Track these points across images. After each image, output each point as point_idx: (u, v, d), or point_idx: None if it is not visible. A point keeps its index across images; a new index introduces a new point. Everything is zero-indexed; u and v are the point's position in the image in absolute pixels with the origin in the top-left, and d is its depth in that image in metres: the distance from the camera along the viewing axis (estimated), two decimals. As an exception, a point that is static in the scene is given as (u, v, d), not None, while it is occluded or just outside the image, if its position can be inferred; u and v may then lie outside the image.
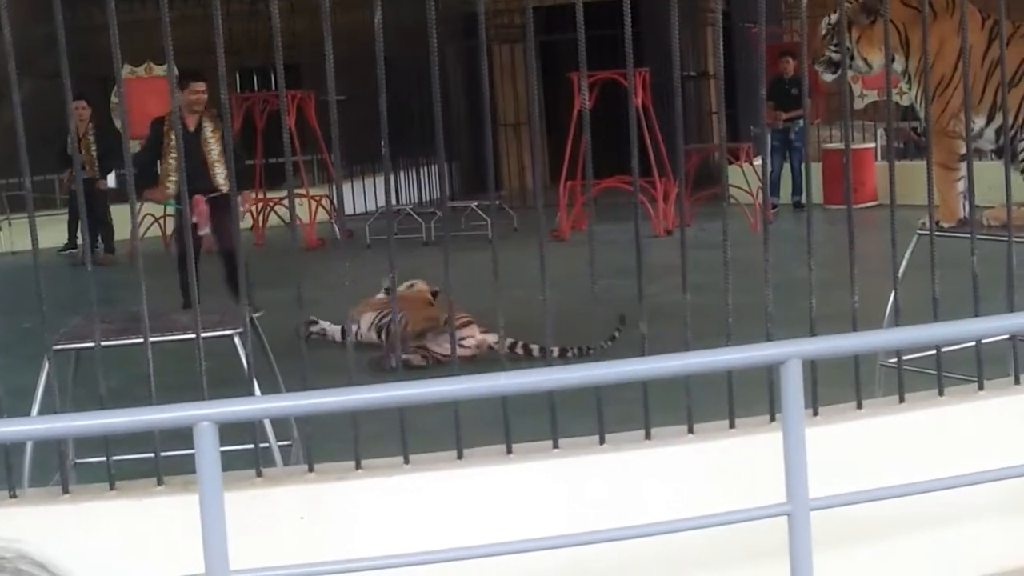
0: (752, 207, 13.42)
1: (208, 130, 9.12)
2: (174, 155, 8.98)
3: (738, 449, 3.96)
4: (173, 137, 8.89)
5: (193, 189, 8.74)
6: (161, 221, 15.01)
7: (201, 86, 9.07)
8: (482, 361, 7.29)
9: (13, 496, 3.82)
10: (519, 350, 7.24)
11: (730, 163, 12.43)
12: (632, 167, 4.22)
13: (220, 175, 9.12)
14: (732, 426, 4.05)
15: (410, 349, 7.61)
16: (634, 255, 4.20)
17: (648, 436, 3.99)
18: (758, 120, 14.42)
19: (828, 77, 6.17)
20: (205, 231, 8.96)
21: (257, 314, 9.07)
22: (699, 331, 4.08)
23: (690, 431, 4.01)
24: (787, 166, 15.46)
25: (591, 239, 4.13)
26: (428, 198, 17.75)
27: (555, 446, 3.95)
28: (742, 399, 4.10)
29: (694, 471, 3.94)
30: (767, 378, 3.96)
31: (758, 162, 14.82)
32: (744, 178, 13.55)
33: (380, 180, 15.98)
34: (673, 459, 3.95)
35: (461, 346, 6.76)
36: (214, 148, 9.07)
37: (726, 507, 3.53)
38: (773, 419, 4.00)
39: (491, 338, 7.54)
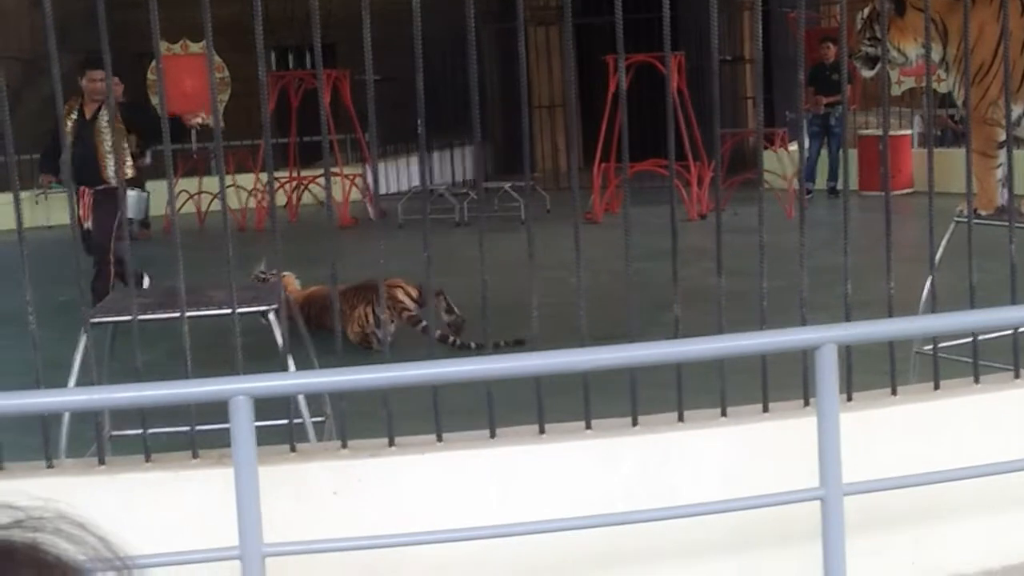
0: (787, 192, 13.36)
1: (103, 120, 8.52)
2: (69, 140, 8.62)
3: (771, 433, 3.95)
4: (67, 123, 8.67)
5: (81, 179, 8.29)
6: (196, 197, 15.09)
7: (99, 74, 8.13)
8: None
9: (50, 466, 3.85)
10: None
11: (765, 148, 12.38)
12: (668, 150, 4.21)
13: (109, 167, 8.62)
14: (765, 410, 4.04)
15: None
16: (667, 239, 4.19)
17: (681, 419, 3.98)
18: (794, 105, 14.33)
19: (867, 73, 6.12)
20: (87, 224, 8.56)
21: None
22: (733, 316, 4.07)
23: (723, 414, 4.01)
24: (824, 152, 15.36)
25: (626, 222, 4.12)
26: (462, 178, 17.76)
27: (588, 427, 3.95)
28: (775, 384, 4.09)
29: (727, 454, 3.93)
30: (801, 363, 3.95)
31: (793, 147, 14.75)
32: (779, 163, 13.48)
33: (414, 160, 16.04)
34: (706, 442, 3.95)
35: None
36: (105, 139, 8.50)
37: (758, 491, 3.54)
38: (807, 404, 3.99)
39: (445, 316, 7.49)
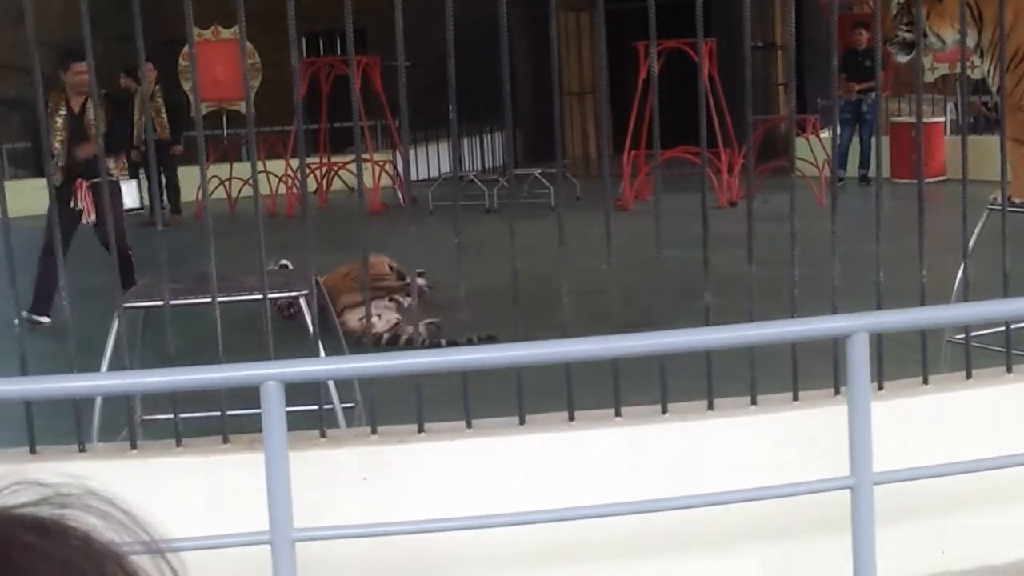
0: (818, 179, 13.30)
1: (90, 113, 8.42)
2: (58, 139, 8.60)
3: (801, 422, 3.94)
4: (58, 119, 8.55)
5: (77, 173, 8.52)
6: (227, 183, 15.14)
7: (82, 66, 8.50)
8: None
9: (82, 450, 3.88)
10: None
11: (797, 135, 12.30)
12: (700, 137, 4.20)
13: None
14: (795, 399, 4.03)
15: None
16: (697, 226, 4.18)
17: (711, 407, 3.98)
18: (826, 91, 14.24)
19: (903, 58, 6.07)
20: (92, 219, 8.60)
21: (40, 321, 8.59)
22: (763, 304, 4.06)
23: (753, 403, 4.00)
24: (855, 139, 15.28)
25: (657, 208, 4.11)
26: (491, 165, 17.76)
27: (617, 414, 3.95)
28: (805, 373, 4.08)
29: (756, 443, 3.92)
30: (831, 351, 3.94)
31: (824, 134, 14.67)
32: (810, 150, 13.42)
33: (443, 146, 16.04)
34: (735, 430, 3.94)
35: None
36: (95, 133, 8.63)
37: (787, 479, 3.53)
38: (837, 392, 3.97)
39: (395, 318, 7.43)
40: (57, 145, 8.56)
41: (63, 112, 8.63)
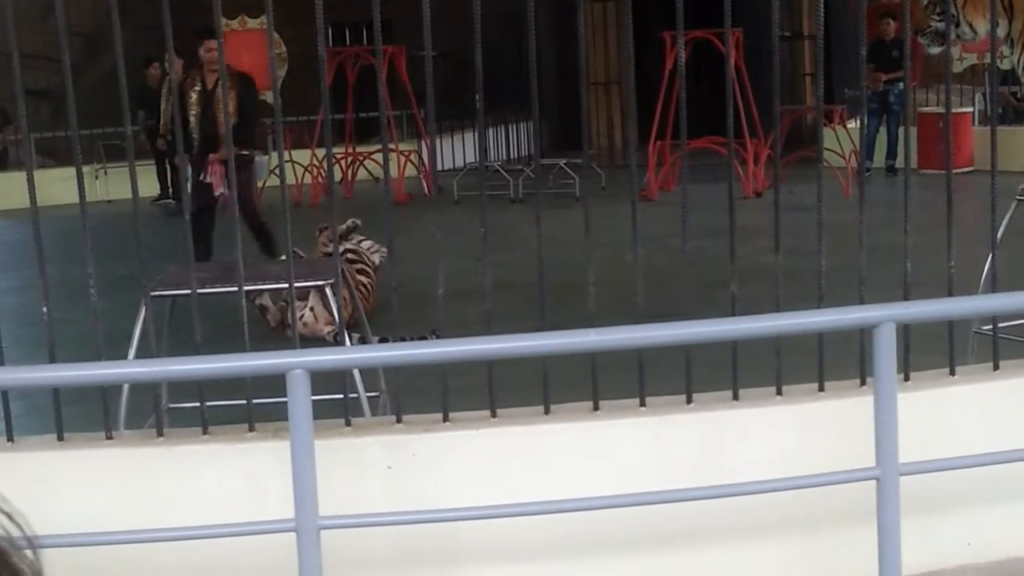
0: (844, 170, 13.24)
1: (220, 90, 9.04)
2: (192, 112, 8.99)
3: (827, 412, 3.93)
4: (192, 95, 8.93)
5: (207, 148, 8.83)
6: (252, 173, 15.17)
7: (213, 43, 8.93)
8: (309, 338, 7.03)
9: (109, 437, 3.90)
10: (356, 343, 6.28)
11: (824, 126, 12.25)
12: (727, 128, 4.19)
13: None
14: (821, 389, 4.02)
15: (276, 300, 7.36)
16: (722, 216, 4.17)
17: (736, 397, 3.97)
18: (853, 82, 14.17)
19: (935, 50, 6.03)
20: (221, 191, 8.89)
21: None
22: (790, 294, 4.05)
23: (778, 393, 3.99)
24: (882, 129, 15.21)
25: (684, 198, 4.10)
26: (516, 155, 17.75)
27: (642, 404, 3.95)
28: (831, 363, 4.07)
29: (782, 433, 3.92)
30: (858, 342, 3.93)
31: (851, 125, 14.61)
32: (837, 141, 13.36)
33: (469, 136, 16.02)
34: (761, 420, 3.94)
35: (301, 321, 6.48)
36: (223, 109, 8.96)
37: (813, 470, 3.52)
38: (863, 383, 3.96)
39: (326, 328, 7.05)
40: (192, 120, 8.92)
41: (198, 88, 8.89)
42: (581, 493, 3.61)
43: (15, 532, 0.64)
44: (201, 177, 8.93)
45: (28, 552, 0.64)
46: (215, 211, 9.10)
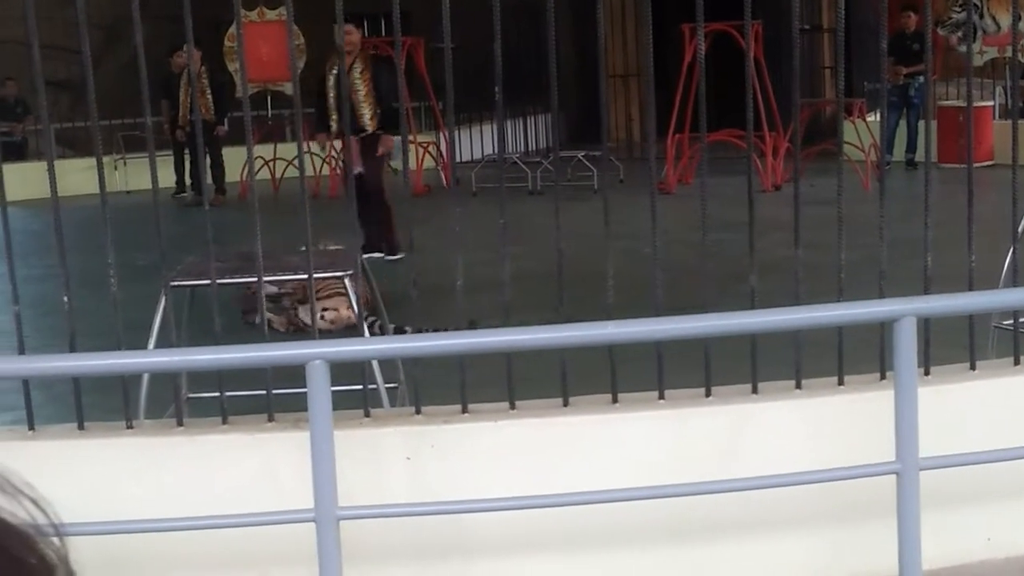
0: (864, 164, 13.19)
1: (356, 71, 9.43)
2: (332, 95, 9.48)
3: (846, 406, 3.92)
4: (330, 79, 9.44)
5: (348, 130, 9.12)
6: (271, 164, 15.19)
7: (346, 27, 9.37)
8: (338, 334, 6.96)
9: (130, 427, 3.92)
10: (376, 329, 6.21)
11: (843, 119, 12.21)
12: (746, 121, 4.18)
13: (366, 115, 9.49)
14: (841, 383, 4.01)
15: (277, 311, 7.45)
16: (740, 210, 4.16)
17: (755, 390, 3.96)
18: (873, 75, 14.13)
19: (962, 48, 5.99)
20: (358, 170, 9.25)
21: (394, 257, 9.30)
22: (809, 287, 4.04)
23: (798, 387, 3.98)
24: (902, 123, 15.15)
25: (703, 191, 4.10)
26: (534, 147, 17.74)
27: (661, 397, 3.95)
28: (851, 357, 4.06)
29: (801, 427, 3.91)
30: (877, 336, 3.92)
31: (871, 118, 14.55)
32: (857, 134, 13.32)
33: (487, 128, 15.99)
34: (780, 414, 3.93)
35: (321, 318, 6.54)
36: (360, 89, 9.40)
37: (832, 464, 3.52)
38: (883, 377, 3.95)
39: (352, 314, 7.14)
40: (332, 102, 9.46)
41: (335, 71, 9.32)
42: (600, 486, 3.61)
43: (41, 519, 0.64)
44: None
45: (55, 539, 0.64)
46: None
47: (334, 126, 9.67)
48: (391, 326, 5.59)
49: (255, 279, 4.12)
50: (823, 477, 3.44)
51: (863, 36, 15.21)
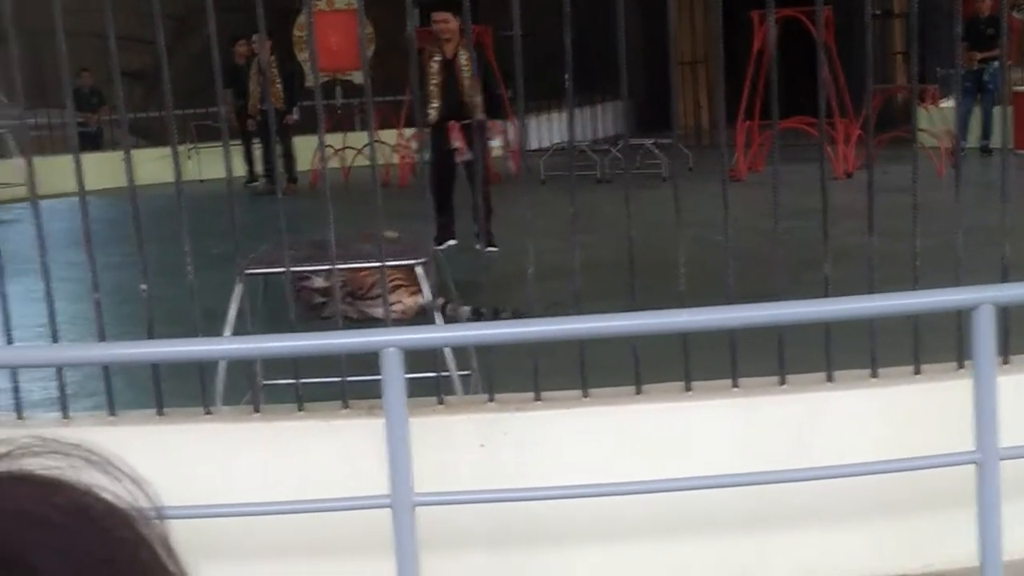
0: (938, 150, 13.03)
1: (463, 58, 9.40)
2: (434, 82, 9.39)
3: (923, 395, 3.88)
4: (433, 65, 9.34)
5: (451, 116, 9.14)
6: (341, 152, 15.29)
7: (442, 15, 9.35)
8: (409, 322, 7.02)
9: (208, 413, 3.97)
10: (447, 311, 6.21)
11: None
12: (818, 107, 4.15)
13: (477, 101, 9.47)
14: (917, 372, 3.97)
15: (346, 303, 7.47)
16: (811, 197, 4.12)
17: (830, 379, 3.94)
18: (946, 61, 13.94)
19: None
20: (467, 156, 9.27)
21: (491, 249, 9.31)
22: (883, 275, 4.00)
23: (873, 375, 3.95)
24: (977, 109, 14.93)
25: (775, 179, 4.07)
26: (602, 135, 17.70)
27: (734, 385, 3.93)
28: (926, 345, 4.02)
29: (877, 416, 3.88)
30: (954, 324, 3.87)
31: (944, 104, 14.36)
32: (930, 120, 13.15)
33: (555, 116, 15.96)
34: (855, 403, 3.90)
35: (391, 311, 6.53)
36: (468, 76, 9.37)
37: (908, 453, 3.49)
38: (961, 366, 3.90)
39: (420, 299, 7.15)
40: (433, 88, 9.33)
41: (438, 58, 9.33)
42: (672, 474, 3.61)
43: (143, 501, 0.65)
44: (447, 146, 9.32)
45: (156, 521, 0.65)
46: (454, 179, 9.53)
47: (433, 113, 9.59)
48: (466, 307, 5.62)
49: (328, 267, 4.15)
50: (902, 466, 3.42)
51: (936, 21, 15.00)
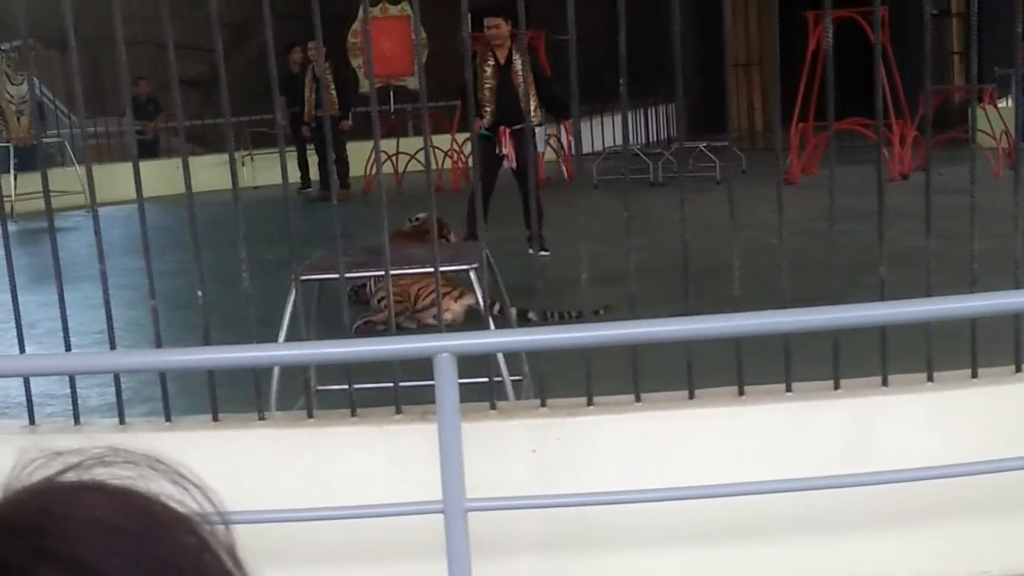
0: (995, 151, 12.87)
1: (518, 63, 9.40)
2: (488, 86, 9.43)
3: (980, 399, 3.83)
4: (487, 69, 9.38)
5: (503, 120, 9.17)
6: (394, 158, 15.36)
7: (494, 20, 9.35)
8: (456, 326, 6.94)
9: (262, 418, 4.00)
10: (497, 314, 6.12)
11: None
12: (875, 109, 4.11)
13: (532, 106, 9.44)
14: (975, 376, 3.92)
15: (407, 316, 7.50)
16: (866, 199, 4.09)
17: (885, 383, 3.90)
18: (1004, 60, 13.75)
19: None
20: (513, 164, 9.32)
21: (544, 253, 9.30)
22: (940, 278, 3.96)
23: (929, 379, 3.90)
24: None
25: (831, 181, 4.04)
26: (655, 138, 17.65)
27: (788, 389, 3.91)
28: (984, 349, 3.97)
29: (933, 420, 3.83)
30: (1012, 328, 3.83)
31: (1002, 104, 14.18)
32: (987, 121, 13.00)
33: (607, 120, 15.94)
34: (910, 407, 3.86)
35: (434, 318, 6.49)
36: (521, 81, 9.36)
37: (966, 458, 3.45)
38: (1019, 370, 3.86)
39: (467, 300, 7.12)
40: (486, 92, 9.41)
41: (491, 63, 9.34)
42: (726, 479, 3.59)
43: (209, 509, 0.66)
44: (497, 151, 9.32)
45: (221, 527, 0.67)
46: (493, 189, 9.52)
47: (487, 117, 9.57)
48: (513, 309, 5.63)
49: (382, 272, 4.17)
50: (957, 471, 3.38)
51: (994, 20, 14.83)
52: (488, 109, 9.46)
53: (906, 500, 3.68)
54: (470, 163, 10.37)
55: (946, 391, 3.87)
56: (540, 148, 9.90)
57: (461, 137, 14.26)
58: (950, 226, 4.63)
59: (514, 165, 9.41)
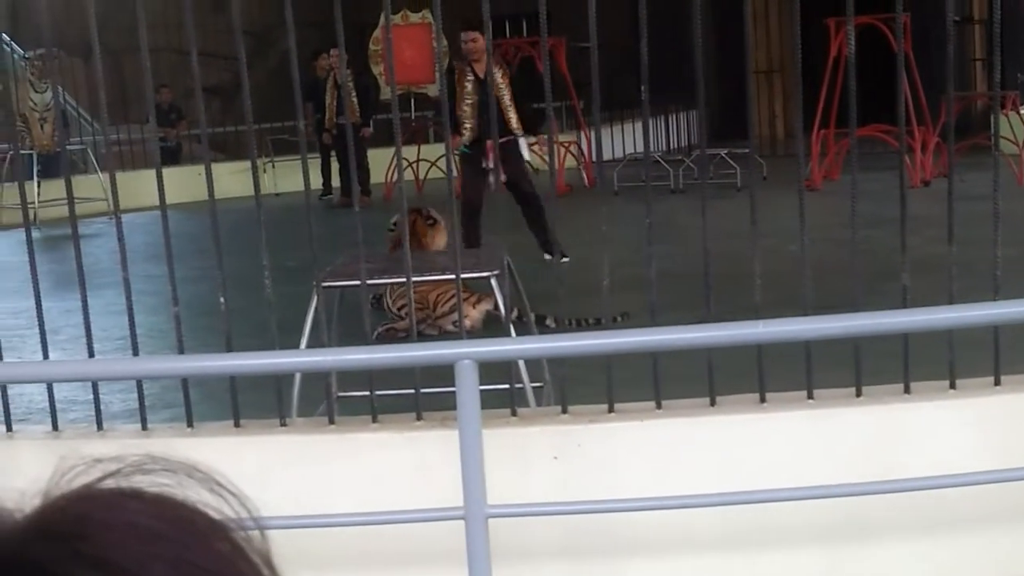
0: (1017, 158, 12.82)
1: (497, 76, 9.40)
2: (468, 102, 9.38)
3: (1003, 407, 3.82)
4: (467, 85, 9.31)
5: (487, 135, 9.25)
6: (414, 165, 15.38)
7: (471, 35, 9.32)
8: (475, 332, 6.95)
9: (283, 424, 4.01)
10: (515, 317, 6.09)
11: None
12: (897, 115, 4.10)
13: (512, 120, 9.44)
14: (997, 383, 3.91)
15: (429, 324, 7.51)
16: (888, 206, 4.08)
17: (907, 390, 3.89)
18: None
19: None
20: (503, 178, 9.34)
21: (564, 260, 9.32)
22: (963, 285, 3.95)
23: (952, 387, 3.89)
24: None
25: (853, 188, 4.03)
26: (676, 145, 17.64)
27: (810, 397, 3.90)
28: (1007, 356, 3.95)
29: (955, 428, 3.82)
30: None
31: (1024, 111, 14.13)
32: (1010, 127, 12.95)
33: (627, 127, 15.93)
34: (933, 415, 3.84)
35: (454, 325, 6.48)
36: (505, 94, 9.33)
37: (988, 466, 3.43)
38: (1042, 377, 3.84)
39: (485, 306, 7.17)
40: (467, 108, 9.37)
41: (471, 78, 9.36)
42: (747, 486, 3.58)
43: (245, 516, 0.68)
44: (483, 165, 9.36)
45: (256, 534, 0.68)
46: (482, 206, 9.55)
47: (467, 133, 9.61)
48: (531, 315, 5.63)
49: (403, 279, 4.18)
50: (980, 479, 3.36)
51: (1016, 27, 14.78)
52: (468, 125, 9.43)
53: (929, 507, 3.67)
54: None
55: (969, 398, 3.85)
56: (526, 156, 9.93)
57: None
58: (973, 233, 4.61)
59: (503, 179, 9.42)
